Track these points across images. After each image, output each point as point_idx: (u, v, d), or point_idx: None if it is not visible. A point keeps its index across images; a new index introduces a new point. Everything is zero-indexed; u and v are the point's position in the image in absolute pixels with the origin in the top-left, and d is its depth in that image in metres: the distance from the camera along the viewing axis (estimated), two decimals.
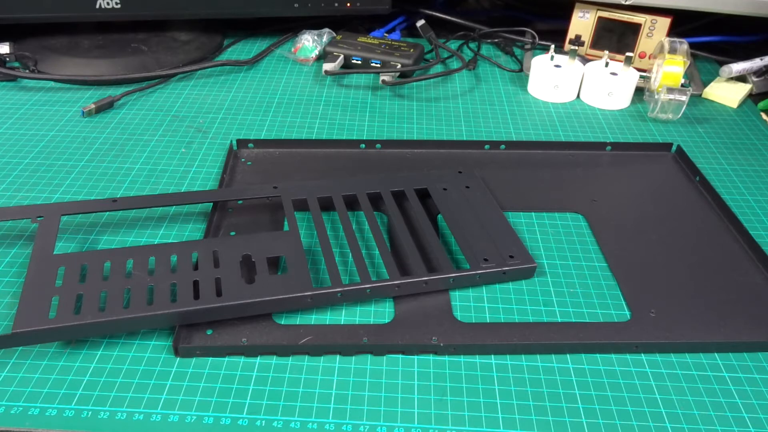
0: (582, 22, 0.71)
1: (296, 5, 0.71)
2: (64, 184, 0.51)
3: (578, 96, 0.67)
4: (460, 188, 0.49)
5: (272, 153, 0.55)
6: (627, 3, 0.67)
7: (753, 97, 0.68)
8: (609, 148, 0.57)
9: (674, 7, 0.66)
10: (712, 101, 0.67)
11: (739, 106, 0.66)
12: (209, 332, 0.38)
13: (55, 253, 0.41)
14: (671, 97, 0.60)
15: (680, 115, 0.62)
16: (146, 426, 0.33)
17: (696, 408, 0.35)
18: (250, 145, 0.55)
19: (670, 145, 0.57)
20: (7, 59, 0.68)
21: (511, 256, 0.43)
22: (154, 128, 0.59)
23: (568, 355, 0.38)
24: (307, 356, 0.37)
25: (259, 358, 0.37)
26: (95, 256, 0.41)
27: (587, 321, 0.40)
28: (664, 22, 0.67)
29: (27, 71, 0.66)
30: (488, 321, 0.40)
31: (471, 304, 0.41)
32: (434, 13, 0.79)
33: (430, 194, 0.48)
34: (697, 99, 0.67)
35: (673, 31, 0.68)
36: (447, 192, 0.49)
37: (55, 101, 0.63)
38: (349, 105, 0.64)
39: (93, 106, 0.60)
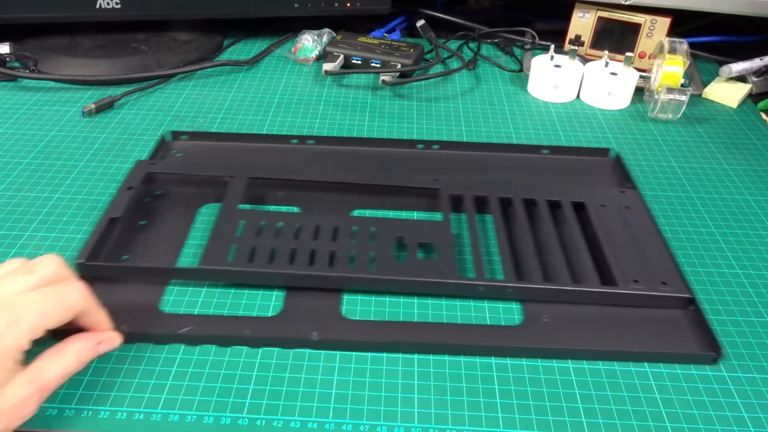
0: (582, 22, 0.71)
1: (296, 5, 0.71)
2: (64, 184, 0.51)
3: (578, 96, 0.67)
4: (619, 207, 0.48)
5: (206, 146, 0.55)
6: (627, 3, 0.67)
7: (753, 97, 0.68)
8: (546, 151, 0.56)
9: (674, 7, 0.66)
10: (712, 101, 0.67)
11: (739, 106, 0.66)
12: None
13: (239, 207, 0.46)
14: (671, 97, 0.60)
15: (680, 115, 0.62)
16: (147, 425, 0.33)
17: (696, 408, 0.35)
18: (184, 136, 0.56)
19: (608, 150, 0.56)
20: (7, 59, 0.68)
21: (664, 283, 0.41)
22: (154, 128, 0.59)
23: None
24: (307, 356, 0.37)
25: (259, 357, 0.37)
26: (271, 216, 0.45)
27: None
28: (664, 22, 0.67)
29: (27, 71, 0.66)
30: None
31: (471, 304, 0.41)
32: (434, 13, 0.79)
33: (586, 208, 0.48)
34: (697, 99, 0.67)
35: (673, 31, 0.68)
36: (605, 208, 0.48)
37: (55, 101, 0.63)
38: (349, 105, 0.64)
39: (93, 106, 0.60)
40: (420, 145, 0.56)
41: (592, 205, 0.48)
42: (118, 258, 0.43)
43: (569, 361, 0.38)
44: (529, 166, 0.54)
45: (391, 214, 0.49)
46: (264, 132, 0.59)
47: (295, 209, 0.48)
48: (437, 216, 0.47)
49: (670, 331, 0.39)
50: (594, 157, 0.56)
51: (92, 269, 0.41)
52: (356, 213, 0.49)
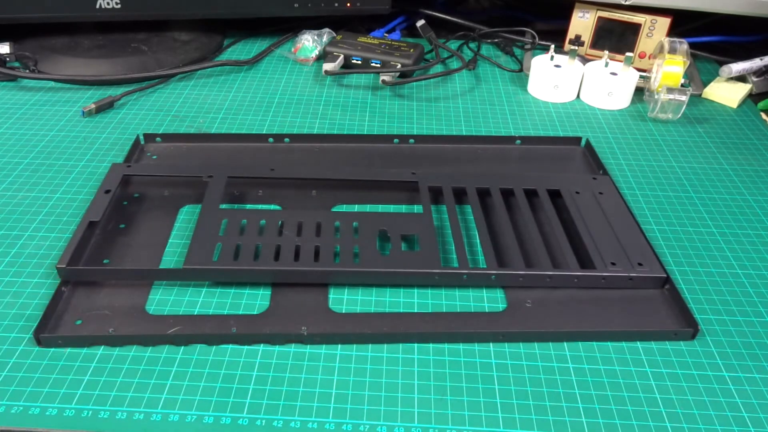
0: (582, 22, 0.71)
1: (296, 5, 0.71)
2: (64, 184, 0.51)
3: (578, 96, 0.67)
4: (593, 193, 0.49)
5: (180, 147, 0.55)
6: (627, 3, 0.67)
7: (753, 97, 0.68)
8: (518, 142, 0.57)
9: (674, 7, 0.66)
10: (712, 101, 0.67)
11: (739, 106, 0.66)
12: (78, 322, 0.38)
13: (221, 207, 0.46)
14: (671, 97, 0.60)
15: (680, 115, 0.62)
16: (147, 425, 0.33)
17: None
18: (158, 139, 0.56)
19: (579, 139, 0.57)
20: (7, 59, 0.68)
21: (640, 264, 0.43)
22: (155, 128, 0.59)
23: (567, 353, 0.38)
24: (307, 355, 0.37)
25: (259, 357, 0.37)
26: (252, 214, 0.45)
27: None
28: (664, 22, 0.67)
29: (27, 71, 0.66)
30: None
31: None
32: (434, 13, 0.79)
33: (561, 195, 0.49)
34: (697, 99, 0.67)
35: (673, 31, 0.68)
36: (579, 195, 0.49)
37: (55, 101, 0.63)
38: (349, 105, 0.64)
39: (93, 106, 0.60)
40: (396, 140, 0.57)
41: (566, 192, 0.49)
42: (99, 262, 0.43)
43: (550, 345, 0.39)
44: (503, 156, 0.56)
45: (372, 208, 0.49)
46: (264, 132, 0.59)
47: (276, 207, 0.49)
48: (418, 208, 0.48)
49: (649, 310, 0.41)
50: (566, 146, 0.57)
51: (73, 273, 0.41)
52: (337, 208, 0.49)
